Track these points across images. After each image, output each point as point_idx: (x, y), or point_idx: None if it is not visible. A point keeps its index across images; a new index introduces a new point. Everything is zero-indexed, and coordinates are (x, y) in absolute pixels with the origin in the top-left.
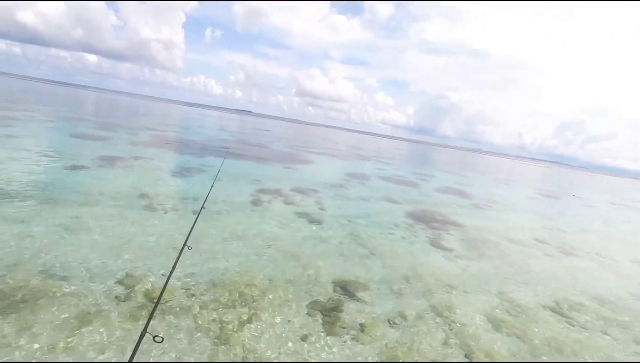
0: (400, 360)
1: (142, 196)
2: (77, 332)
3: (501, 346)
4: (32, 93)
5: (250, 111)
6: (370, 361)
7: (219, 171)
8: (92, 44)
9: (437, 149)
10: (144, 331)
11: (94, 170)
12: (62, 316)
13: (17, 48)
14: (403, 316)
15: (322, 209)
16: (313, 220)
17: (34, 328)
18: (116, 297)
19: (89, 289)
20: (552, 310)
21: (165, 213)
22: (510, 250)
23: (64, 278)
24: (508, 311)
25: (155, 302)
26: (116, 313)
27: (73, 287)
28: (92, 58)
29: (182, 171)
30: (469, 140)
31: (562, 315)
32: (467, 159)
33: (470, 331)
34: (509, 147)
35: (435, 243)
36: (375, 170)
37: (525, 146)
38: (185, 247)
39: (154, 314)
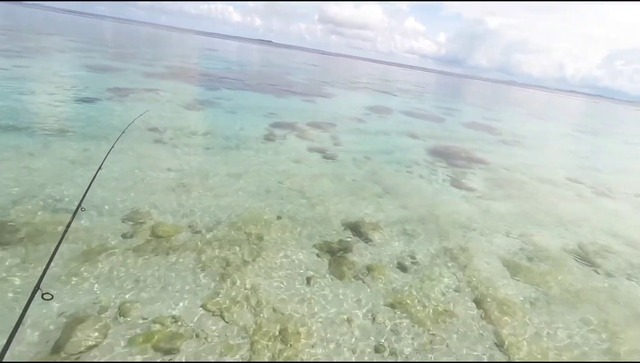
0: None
1: (153, 130)
2: (82, 265)
3: (515, 294)
4: (47, 23)
5: (270, 41)
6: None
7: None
8: None
9: (467, 82)
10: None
11: (105, 102)
12: (65, 251)
13: None
14: (414, 260)
15: (338, 144)
16: (328, 156)
17: (33, 261)
18: (123, 234)
19: (96, 225)
20: (577, 254)
21: (175, 147)
22: (539, 190)
23: (69, 213)
24: (528, 256)
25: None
26: (122, 249)
27: (79, 222)
28: None
29: (195, 104)
30: (504, 71)
31: (587, 260)
32: (500, 92)
33: (485, 277)
34: (548, 79)
35: (457, 182)
36: (398, 104)
37: (566, 78)
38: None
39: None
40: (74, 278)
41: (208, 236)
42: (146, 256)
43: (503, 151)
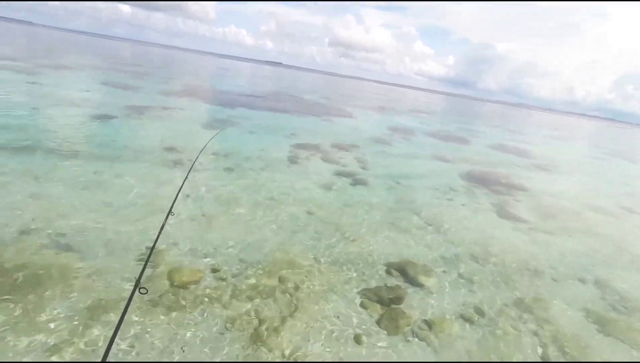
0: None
1: (170, 150)
2: (89, 324)
3: (617, 358)
4: (69, 44)
5: (281, 63)
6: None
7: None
8: None
9: (478, 104)
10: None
11: (121, 120)
12: (72, 303)
13: (56, 2)
14: (480, 312)
15: (365, 168)
16: (357, 181)
17: (37, 319)
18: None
19: (106, 267)
20: None
21: (195, 170)
22: (596, 222)
23: (76, 252)
24: (613, 307)
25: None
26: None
27: (86, 264)
28: (125, 8)
29: (213, 123)
30: (513, 94)
31: None
32: (513, 114)
33: (572, 335)
34: (558, 102)
35: (504, 212)
36: (417, 124)
37: (577, 101)
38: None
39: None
40: (69, 349)
41: (234, 283)
42: (162, 314)
43: (541, 176)
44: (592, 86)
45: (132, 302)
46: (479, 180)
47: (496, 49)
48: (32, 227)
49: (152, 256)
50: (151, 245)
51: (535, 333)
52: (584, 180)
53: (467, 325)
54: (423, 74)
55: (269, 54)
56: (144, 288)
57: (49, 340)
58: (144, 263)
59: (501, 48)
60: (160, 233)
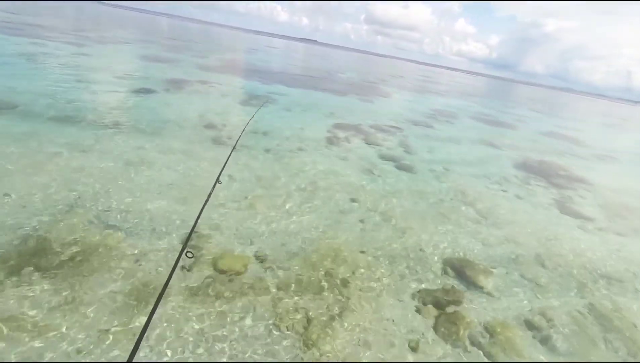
0: None
1: (209, 126)
2: (133, 312)
3: None
4: (108, 18)
5: (315, 40)
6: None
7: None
8: None
9: (521, 87)
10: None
11: (162, 95)
12: (117, 286)
13: None
14: (547, 318)
15: (409, 152)
16: (402, 167)
17: (82, 300)
18: (182, 267)
19: (151, 248)
20: None
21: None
22: None
23: (121, 230)
24: None
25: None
26: (177, 289)
27: (131, 243)
28: None
29: (250, 100)
30: (559, 78)
31: None
32: (560, 99)
33: None
34: (610, 88)
35: (566, 208)
36: (461, 107)
37: (632, 87)
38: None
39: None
40: (111, 330)
41: (280, 274)
42: (207, 303)
43: (602, 168)
44: None
45: (175, 287)
46: (534, 170)
47: (545, 28)
48: (79, 203)
49: (195, 240)
50: (193, 224)
51: (617, 350)
52: None
53: (535, 335)
54: (462, 54)
55: (302, 30)
56: (190, 251)
57: (92, 321)
58: (189, 232)
59: (551, 26)
60: (207, 199)
